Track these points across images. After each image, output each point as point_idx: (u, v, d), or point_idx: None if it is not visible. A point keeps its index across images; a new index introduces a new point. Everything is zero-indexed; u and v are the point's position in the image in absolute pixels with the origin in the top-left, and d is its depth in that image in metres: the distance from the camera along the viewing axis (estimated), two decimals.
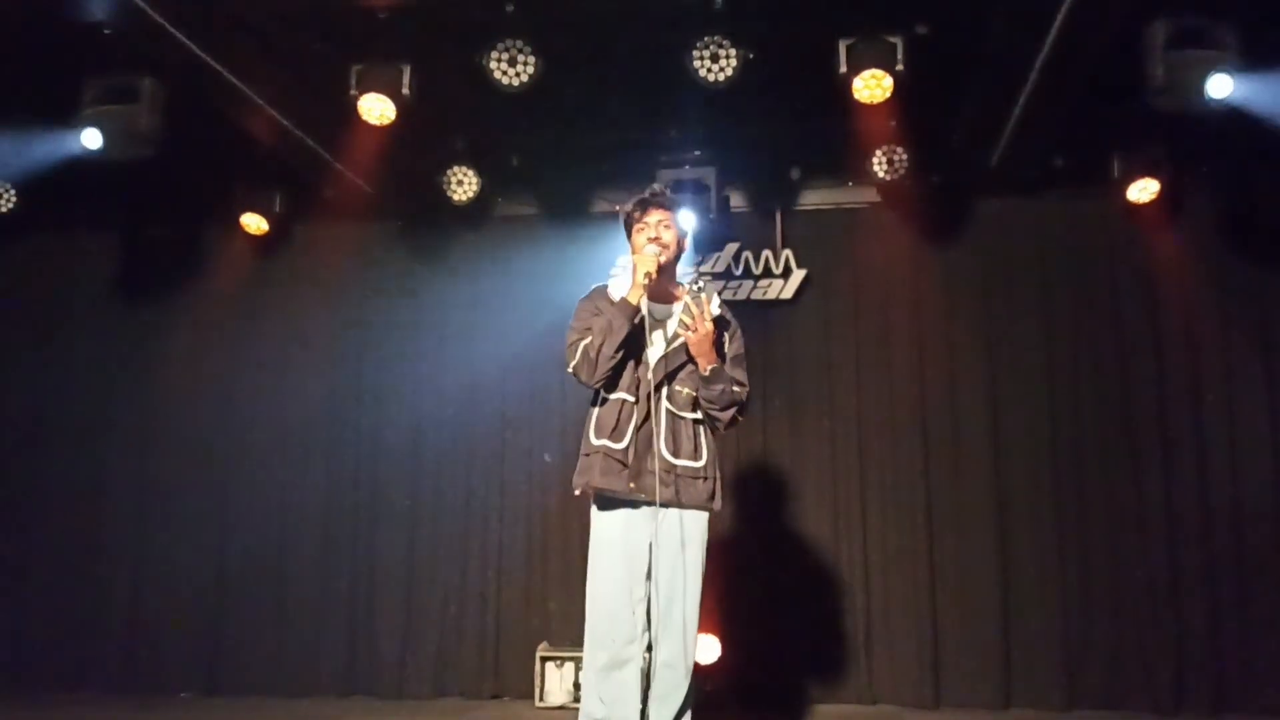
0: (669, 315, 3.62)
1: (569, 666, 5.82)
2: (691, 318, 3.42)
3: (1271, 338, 5.93)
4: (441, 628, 6.32)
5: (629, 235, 3.68)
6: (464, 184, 6.16)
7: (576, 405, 6.27)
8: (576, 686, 5.76)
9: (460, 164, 6.13)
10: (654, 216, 3.60)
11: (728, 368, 3.56)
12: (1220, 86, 4.40)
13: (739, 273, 6.37)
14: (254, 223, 6.41)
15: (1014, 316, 6.16)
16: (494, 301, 6.56)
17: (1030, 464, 6.01)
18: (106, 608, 6.47)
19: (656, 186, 3.78)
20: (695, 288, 3.45)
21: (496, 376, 6.49)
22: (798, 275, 6.34)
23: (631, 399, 3.53)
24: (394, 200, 6.44)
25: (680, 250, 3.70)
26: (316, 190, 6.30)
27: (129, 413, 6.67)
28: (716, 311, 3.58)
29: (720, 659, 5.67)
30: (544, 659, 5.87)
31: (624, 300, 3.48)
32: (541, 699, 5.83)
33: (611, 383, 3.54)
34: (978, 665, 5.87)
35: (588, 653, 3.57)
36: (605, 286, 3.63)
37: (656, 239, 3.57)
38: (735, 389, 3.54)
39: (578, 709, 5.63)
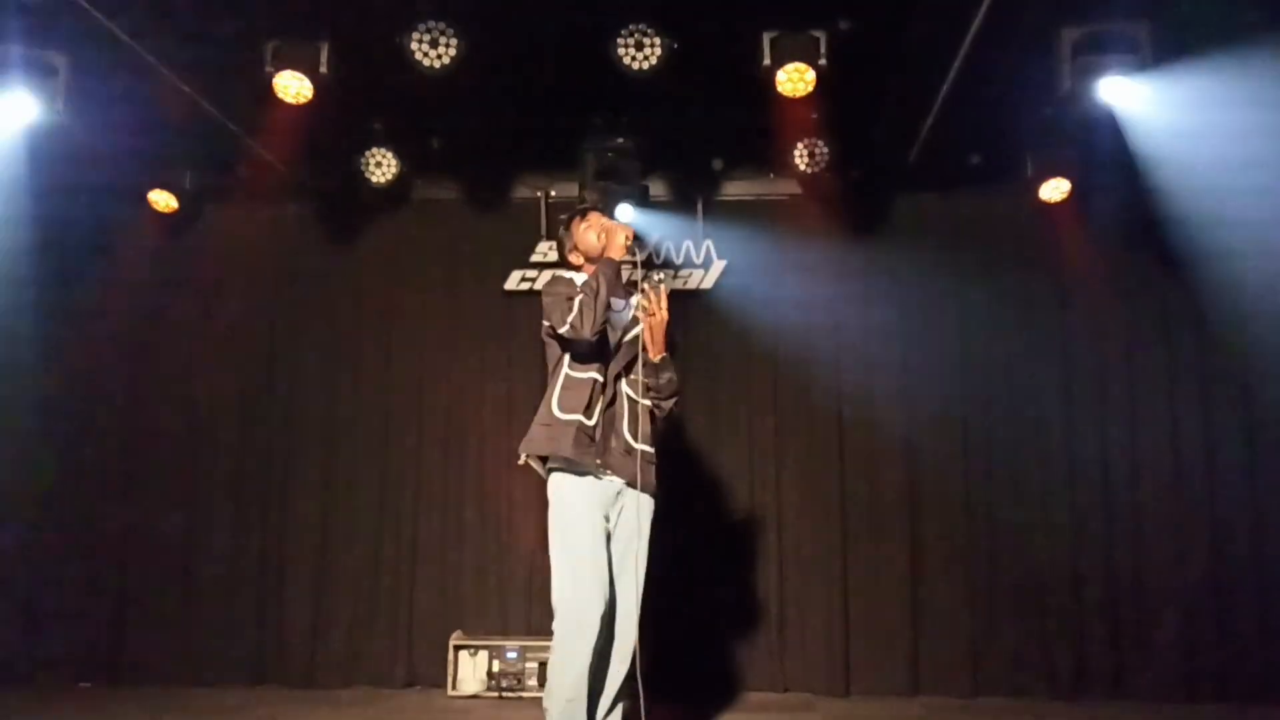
0: (625, 307, 3.81)
1: (482, 655, 5.79)
2: (650, 302, 3.67)
3: (1172, 334, 6.11)
4: (353, 615, 6.21)
5: (573, 237, 3.85)
6: (383, 166, 6.06)
7: (493, 388, 6.31)
8: (490, 675, 5.73)
9: (379, 145, 6.02)
10: (593, 216, 3.89)
11: None
12: (1113, 90, 4.50)
13: (659, 262, 6.36)
14: (162, 200, 6.22)
15: (928, 310, 6.25)
16: (411, 285, 6.47)
17: (941, 456, 6.12)
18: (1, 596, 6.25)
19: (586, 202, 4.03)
20: (655, 278, 3.75)
21: (413, 360, 6.41)
22: (718, 265, 6.37)
23: (600, 379, 3.66)
24: (310, 181, 6.30)
25: None
26: (229, 168, 6.14)
27: (24, 394, 6.41)
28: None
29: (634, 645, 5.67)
30: (457, 647, 5.83)
31: (606, 259, 3.68)
32: (454, 688, 5.78)
33: (589, 356, 3.64)
34: (887, 654, 5.97)
35: (559, 626, 3.58)
36: (568, 276, 3.79)
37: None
38: (675, 379, 3.78)
39: (491, 698, 5.67)
